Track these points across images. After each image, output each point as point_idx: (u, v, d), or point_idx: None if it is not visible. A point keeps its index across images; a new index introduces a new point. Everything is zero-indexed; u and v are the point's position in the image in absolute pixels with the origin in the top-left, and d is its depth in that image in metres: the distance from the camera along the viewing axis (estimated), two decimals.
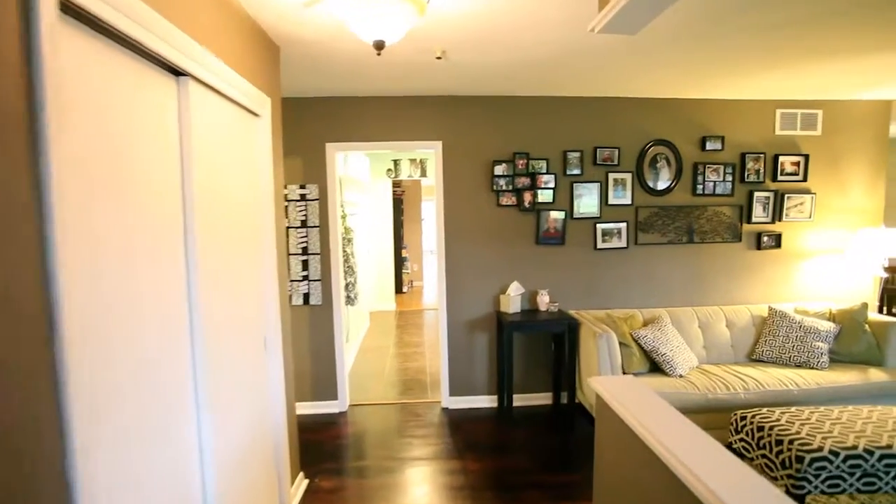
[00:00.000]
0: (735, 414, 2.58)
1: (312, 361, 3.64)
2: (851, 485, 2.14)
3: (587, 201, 3.65)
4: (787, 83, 3.32)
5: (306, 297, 3.60)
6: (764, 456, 2.34)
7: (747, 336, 3.58)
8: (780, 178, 3.81)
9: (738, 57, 2.74)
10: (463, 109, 3.54)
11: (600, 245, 3.70)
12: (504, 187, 3.55)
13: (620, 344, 3.15)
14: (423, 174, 7.03)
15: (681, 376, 3.11)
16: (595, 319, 3.44)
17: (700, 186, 3.74)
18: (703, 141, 3.71)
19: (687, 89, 3.43)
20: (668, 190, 3.72)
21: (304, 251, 3.57)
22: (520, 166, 3.54)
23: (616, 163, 3.64)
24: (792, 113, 3.78)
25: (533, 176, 3.56)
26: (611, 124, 3.65)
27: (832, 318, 3.52)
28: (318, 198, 3.55)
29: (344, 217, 4.61)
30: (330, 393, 3.68)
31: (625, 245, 3.72)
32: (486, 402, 3.75)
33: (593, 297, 3.75)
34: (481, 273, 3.64)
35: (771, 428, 2.35)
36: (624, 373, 3.12)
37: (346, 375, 3.72)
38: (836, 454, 2.13)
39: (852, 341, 3.36)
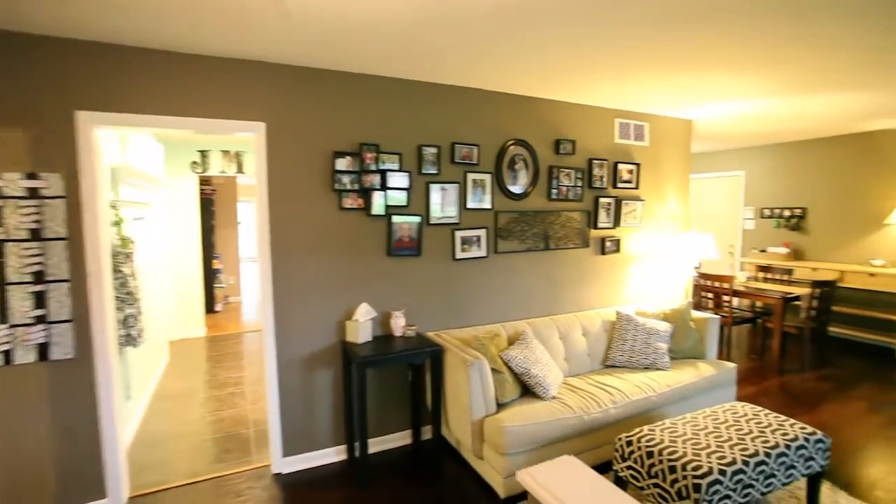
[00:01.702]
0: (620, 439, 2.36)
1: (58, 447, 2.36)
2: (735, 500, 2.05)
3: (445, 205, 3.17)
4: (621, 93, 3.38)
5: (43, 349, 2.31)
6: (657, 486, 2.13)
7: (601, 343, 3.55)
8: (619, 185, 3.93)
9: (585, 60, 2.65)
10: (298, 83, 2.70)
11: (460, 255, 3.26)
12: (349, 186, 2.83)
13: (492, 370, 2.73)
14: (240, 170, 5.79)
15: (553, 398, 2.84)
16: (461, 343, 2.98)
17: (555, 191, 3.61)
18: (557, 144, 3.58)
19: (543, 87, 3.23)
20: (525, 194, 3.48)
21: (38, 277, 2.29)
22: (368, 161, 2.86)
23: (475, 162, 3.24)
24: (627, 123, 3.94)
25: (384, 173, 2.92)
26: (470, 119, 3.24)
27: (666, 317, 3.73)
28: (65, 195, 2.31)
29: (118, 223, 3.27)
30: (93, 488, 2.44)
31: (485, 254, 3.36)
32: (333, 455, 2.97)
33: (453, 315, 3.30)
34: (321, 294, 2.85)
35: (660, 453, 2.16)
36: (497, 403, 2.71)
37: (120, 456, 2.52)
38: (724, 473, 2.02)
39: (682, 338, 3.59)
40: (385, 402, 3.10)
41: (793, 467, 2.24)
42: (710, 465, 2.04)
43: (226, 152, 5.73)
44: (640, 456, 2.22)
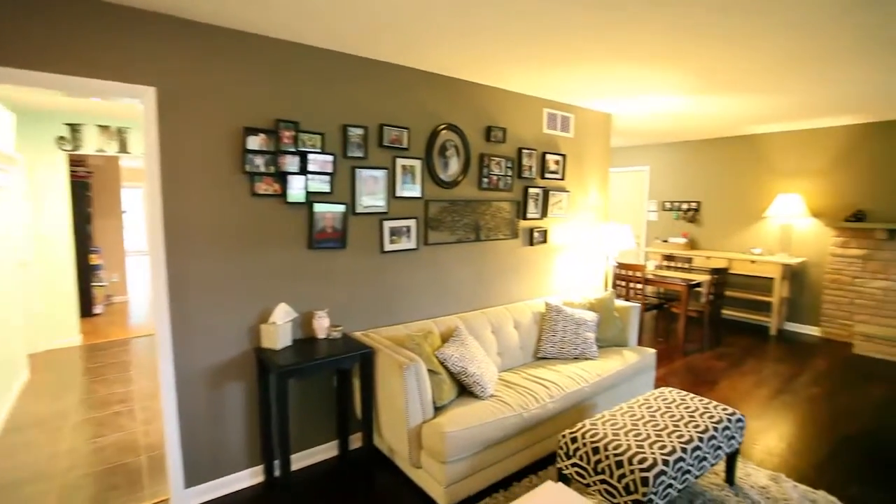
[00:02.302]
0: (564, 436, 2.29)
1: None
2: (676, 488, 2.08)
3: (372, 192, 2.89)
4: (548, 83, 3.34)
5: None
6: (604, 482, 2.09)
7: (532, 335, 3.52)
8: (546, 175, 3.92)
9: (510, 45, 2.57)
10: (202, 44, 2.24)
11: (388, 247, 3.01)
12: (262, 169, 2.44)
13: (428, 371, 2.54)
14: (123, 149, 4.95)
15: (491, 396, 2.72)
16: (392, 343, 2.74)
17: (486, 180, 3.48)
18: (489, 131, 3.45)
19: (476, 71, 3.06)
20: (456, 182, 3.31)
21: None
22: (286, 140, 2.49)
23: (405, 146, 3.00)
24: (554, 114, 3.93)
25: (304, 155, 2.57)
26: (401, 99, 2.98)
27: (592, 307, 3.80)
28: None
29: None
30: None
31: (415, 246, 3.14)
32: (248, 478, 2.59)
33: (382, 313, 3.05)
34: (230, 294, 2.44)
35: (606, 448, 2.12)
36: (435, 406, 2.53)
37: None
38: (668, 463, 2.03)
39: (607, 327, 3.69)
40: (307, 411, 2.77)
41: (719, 448, 2.34)
42: (654, 456, 2.04)
43: (104, 127, 4.86)
44: (586, 452, 2.17)
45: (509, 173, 3.64)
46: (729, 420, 2.44)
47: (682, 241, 6.42)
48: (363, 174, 2.83)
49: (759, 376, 4.20)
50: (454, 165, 3.30)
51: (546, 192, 3.92)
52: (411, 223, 3.10)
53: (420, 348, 2.61)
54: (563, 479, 2.32)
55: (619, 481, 2.02)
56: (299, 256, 2.65)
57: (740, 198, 5.97)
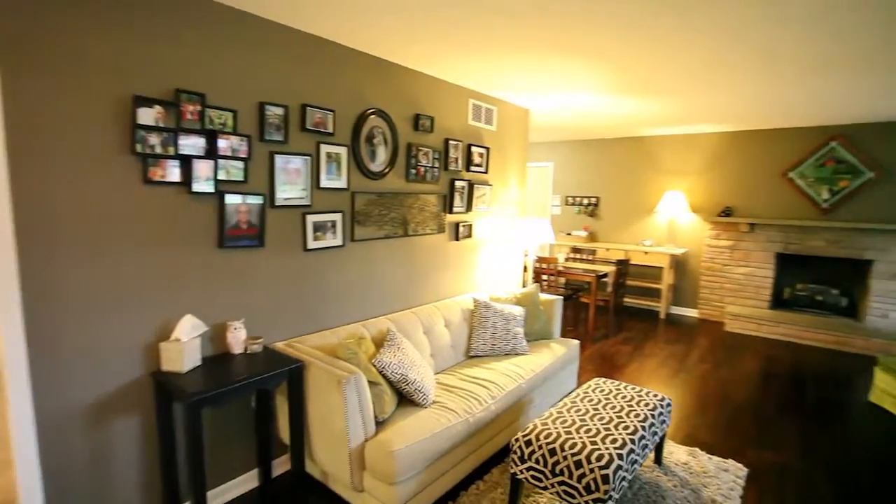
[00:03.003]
0: (517, 440, 2.20)
1: None
2: (628, 479, 2.10)
3: (294, 182, 2.52)
4: (473, 72, 3.24)
5: None
6: (563, 483, 2.03)
7: (462, 333, 3.41)
8: (471, 168, 3.83)
9: (450, 29, 2.40)
10: None
11: (312, 244, 2.66)
12: (160, 150, 1.96)
13: (368, 383, 2.28)
14: None
15: (434, 403, 2.55)
16: (323, 353, 2.42)
17: (413, 171, 3.27)
18: (417, 119, 3.24)
19: (405, 54, 2.83)
20: (384, 173, 3.05)
21: None
22: (189, 116, 2.03)
23: (330, 131, 2.67)
24: (479, 105, 3.84)
25: (212, 136, 2.12)
26: (326, 78, 2.63)
27: (518, 301, 3.81)
28: None
29: None
30: None
31: (341, 243, 2.83)
32: None
33: (307, 318, 2.70)
34: (117, 307, 1.93)
35: (563, 449, 2.07)
36: (377, 420, 2.28)
37: None
38: (622, 457, 2.04)
39: (534, 321, 3.72)
40: (220, 440, 2.34)
41: (656, 433, 2.44)
42: (609, 452, 2.04)
43: None
44: (542, 455, 2.10)
45: (436, 165, 3.47)
46: (660, 405, 2.56)
47: (584, 234, 6.84)
48: (283, 161, 2.45)
49: (658, 358, 4.59)
50: (382, 155, 3.04)
51: (471, 186, 3.83)
52: (337, 217, 2.78)
53: (357, 358, 2.34)
54: (516, 484, 2.24)
55: (578, 481, 1.98)
56: (208, 257, 2.20)
57: (634, 194, 6.52)
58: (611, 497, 1.93)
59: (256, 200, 2.35)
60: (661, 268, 6.12)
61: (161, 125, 1.95)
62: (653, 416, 2.43)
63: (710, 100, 4.02)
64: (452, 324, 3.37)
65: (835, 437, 3.14)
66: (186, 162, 2.05)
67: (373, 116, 2.91)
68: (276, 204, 2.44)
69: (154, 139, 1.93)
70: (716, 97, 3.91)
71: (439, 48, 2.74)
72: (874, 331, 4.87)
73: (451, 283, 3.77)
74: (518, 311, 3.56)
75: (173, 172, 2.01)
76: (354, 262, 2.94)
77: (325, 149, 2.65)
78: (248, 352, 2.27)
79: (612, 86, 3.57)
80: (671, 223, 6.21)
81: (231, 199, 2.24)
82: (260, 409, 2.43)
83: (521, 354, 3.37)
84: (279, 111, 2.39)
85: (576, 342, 3.70)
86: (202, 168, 2.09)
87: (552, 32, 2.45)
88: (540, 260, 5.13)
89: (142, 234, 1.97)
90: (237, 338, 2.24)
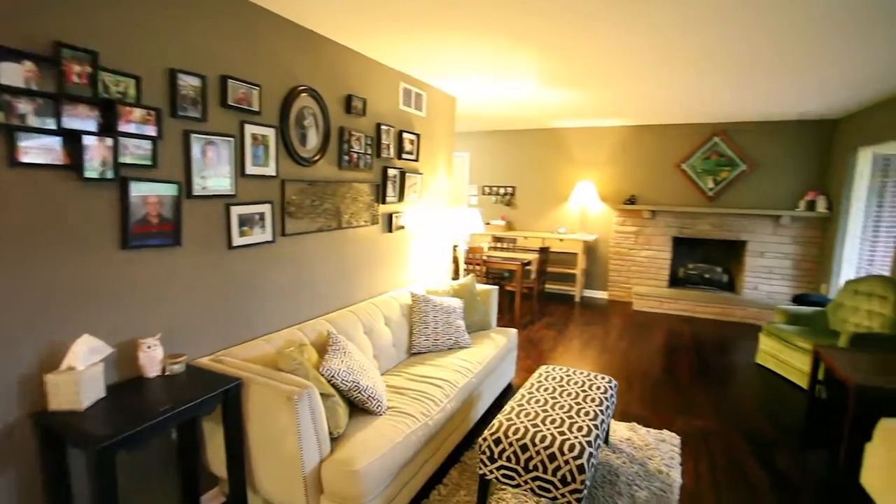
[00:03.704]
0: (486, 439, 2.10)
1: None
2: (595, 465, 2.11)
3: (215, 168, 2.13)
4: (403, 54, 3.06)
5: None
6: (537, 478, 1.97)
7: (403, 330, 3.23)
8: (403, 155, 3.63)
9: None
10: None
11: (238, 241, 2.29)
12: (34, 122, 1.49)
13: (321, 396, 2.01)
14: None
15: (388, 409, 2.35)
16: (264, 367, 2.08)
17: (346, 158, 2.99)
18: (349, 101, 2.95)
19: (335, 26, 2.55)
20: (315, 159, 2.74)
21: None
22: (76, 79, 1.58)
23: (256, 109, 2.30)
24: (409, 89, 3.64)
25: (108, 107, 1.68)
26: (250, 46, 2.25)
27: (455, 293, 3.71)
28: None
29: None
30: None
31: (270, 238, 2.48)
32: None
33: (235, 326, 2.32)
34: None
35: (534, 444, 2.01)
36: (331, 437, 2.02)
37: None
38: (591, 444, 2.04)
39: (472, 312, 3.66)
40: (133, 485, 1.91)
41: (609, 415, 2.50)
42: (579, 441, 2.02)
43: None
44: (514, 452, 2.03)
45: (369, 151, 3.22)
46: (609, 387, 2.64)
47: (502, 223, 6.98)
48: (202, 143, 2.05)
49: (582, 340, 4.83)
50: (313, 139, 2.72)
51: (403, 174, 3.63)
52: (265, 209, 2.43)
53: (303, 368, 2.06)
54: (485, 485, 2.15)
55: (554, 475, 1.94)
56: (109, 261, 1.76)
57: (548, 183, 6.78)
58: (585, 486, 1.91)
59: (169, 190, 1.93)
60: (575, 254, 6.46)
61: (35, 88, 1.48)
62: (605, 399, 2.49)
63: (621, 94, 4.26)
64: (392, 321, 3.17)
65: (736, 397, 3.53)
66: (74, 139, 1.59)
67: (303, 95, 2.58)
68: (194, 194, 2.04)
69: (25, 106, 1.46)
70: (625, 91, 4.14)
71: (370, 21, 2.49)
72: (749, 301, 5.63)
73: (385, 277, 3.56)
74: (457, 303, 3.47)
75: (54, 152, 1.55)
76: (286, 260, 2.60)
77: (250, 130, 2.28)
78: (169, 373, 1.87)
79: (538, 73, 3.59)
80: (583, 211, 6.57)
81: (137, 189, 1.81)
82: (183, 440, 2.03)
83: (465, 348, 3.28)
84: (195, 82, 1.98)
85: (514, 331, 3.71)
86: (97, 148, 1.65)
87: (483, 9, 2.34)
88: (471, 250, 5.10)
89: (9, 234, 1.49)
90: (152, 358, 1.84)
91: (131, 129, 1.76)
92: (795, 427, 3.15)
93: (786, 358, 3.85)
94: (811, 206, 5.28)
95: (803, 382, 3.63)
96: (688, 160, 5.91)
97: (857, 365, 2.90)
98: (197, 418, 2.05)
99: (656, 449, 2.78)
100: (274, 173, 2.45)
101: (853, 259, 4.89)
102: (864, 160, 4.74)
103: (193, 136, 2.01)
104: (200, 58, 2.02)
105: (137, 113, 1.77)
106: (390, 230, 3.56)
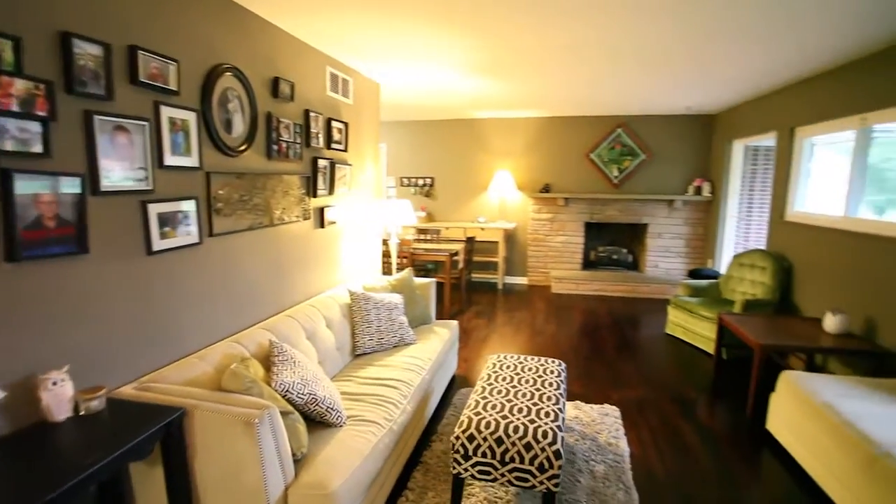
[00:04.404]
0: (458, 437, 2.03)
1: None
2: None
3: (127, 158, 1.77)
4: (329, 34, 2.84)
5: None
6: (514, 470, 1.96)
7: (345, 331, 3.03)
8: (332, 145, 3.38)
9: None
10: None
11: (159, 244, 1.94)
12: None
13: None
14: None
15: (348, 418, 2.18)
16: (207, 390, 1.79)
17: (275, 147, 2.70)
18: (276, 84, 2.65)
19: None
20: (241, 149, 2.42)
21: None
22: None
23: (173, 88, 1.95)
24: (336, 75, 3.39)
25: None
26: (163, 12, 1.89)
27: (394, 288, 3.57)
28: None
29: None
30: None
31: (197, 239, 2.15)
32: None
33: (162, 345, 1.98)
34: None
35: (509, 436, 1.99)
36: (294, 459, 1.81)
37: None
38: (560, 429, 2.07)
39: (414, 306, 3.55)
40: None
41: (564, 395, 2.58)
42: (549, 427, 2.04)
43: None
44: (489, 447, 1.99)
45: (298, 140, 2.94)
46: (561, 370, 2.72)
47: (422, 214, 6.91)
48: (109, 127, 1.68)
49: (512, 325, 4.96)
50: (239, 125, 2.40)
51: (333, 165, 3.39)
52: (189, 206, 2.09)
53: (257, 386, 1.81)
54: (459, 484, 2.09)
55: (531, 464, 1.94)
56: None
57: (467, 174, 6.84)
58: (562, 470, 1.94)
59: (69, 186, 1.56)
60: (496, 242, 6.61)
61: None
62: (561, 382, 2.56)
63: (538, 85, 4.40)
64: (334, 323, 2.95)
65: (656, 366, 3.88)
66: None
67: (227, 75, 2.25)
68: (102, 190, 1.67)
69: None
70: (542, 83, 4.29)
71: None
72: (652, 278, 6.23)
73: (320, 276, 3.31)
74: (397, 298, 3.34)
75: None
76: (216, 263, 2.27)
77: (167, 112, 1.93)
78: (84, 413, 1.53)
79: (460, 59, 3.53)
80: (501, 200, 6.74)
81: (24, 184, 1.43)
82: (105, 494, 1.68)
83: (411, 344, 3.18)
84: (95, 51, 1.61)
85: (455, 322, 3.69)
86: None
87: None
88: (403, 242, 4.96)
89: None
90: (60, 396, 1.48)
91: (13, 105, 1.37)
92: (707, 386, 3.54)
93: (692, 327, 4.31)
94: (698, 191, 5.97)
95: (708, 347, 4.10)
96: (595, 150, 6.33)
97: (755, 327, 3.33)
98: (124, 466, 1.71)
99: (602, 423, 2.94)
100: (197, 164, 2.12)
101: (732, 236, 5.63)
102: (738, 151, 5.46)
103: (98, 118, 1.64)
104: (103, 22, 1.65)
105: (20, 85, 1.39)
106: (322, 225, 3.31)
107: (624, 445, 2.71)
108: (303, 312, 2.77)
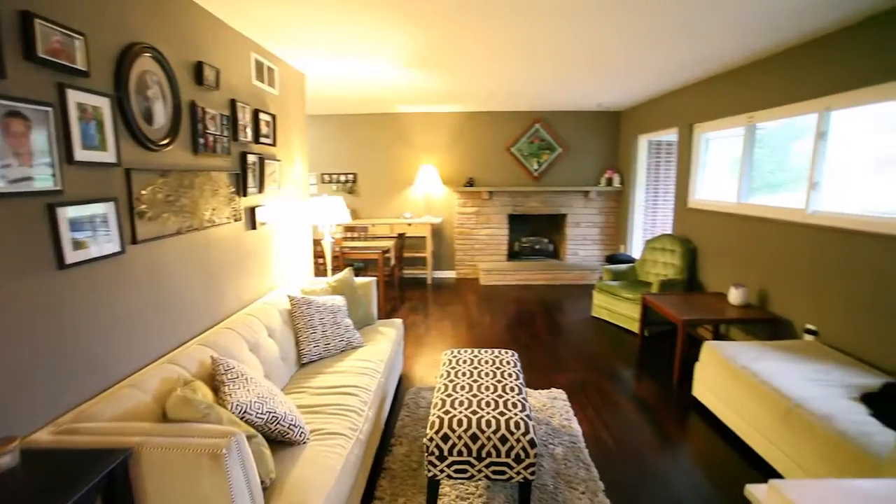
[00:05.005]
0: (432, 440, 1.97)
1: None
2: None
3: (24, 152, 1.45)
4: (252, 16, 2.61)
5: None
6: (491, 464, 1.95)
7: (288, 339, 2.81)
8: (260, 139, 3.10)
9: None
10: None
11: (72, 256, 1.63)
12: None
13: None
14: None
15: (311, 433, 2.02)
16: (150, 424, 1.55)
17: (202, 140, 2.40)
18: (200, 70, 2.36)
19: None
20: (164, 142, 2.12)
21: None
22: None
23: (82, 68, 1.64)
24: (262, 62, 3.10)
25: None
26: None
27: (335, 290, 3.39)
28: None
29: None
30: None
31: (118, 248, 1.84)
32: None
33: (84, 375, 1.66)
34: None
35: (482, 431, 1.98)
36: (263, 486, 1.63)
37: None
38: (529, 417, 2.11)
39: (357, 307, 3.40)
40: None
41: (523, 384, 2.64)
42: (521, 418, 2.07)
43: None
44: (465, 445, 1.96)
45: (226, 134, 2.65)
46: (515, 360, 2.77)
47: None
48: (1, 112, 1.36)
49: (449, 320, 4.98)
50: (161, 115, 2.09)
51: (262, 161, 3.11)
52: (108, 209, 1.78)
53: (214, 412, 1.60)
54: (434, 487, 2.04)
55: (508, 456, 1.95)
56: None
57: (391, 169, 6.70)
58: (538, 457, 1.98)
59: None
60: (423, 237, 6.58)
61: None
62: (518, 372, 2.61)
63: (463, 79, 4.42)
64: (276, 331, 2.72)
65: (588, 347, 4.14)
66: None
67: (146, 57, 1.95)
68: None
69: None
70: (467, 77, 4.32)
71: None
72: (572, 266, 6.62)
73: (254, 281, 3.04)
74: (340, 300, 3.18)
75: None
76: (142, 274, 1.97)
77: (75, 97, 1.62)
78: None
79: (394, 51, 3.46)
80: (427, 195, 6.72)
81: None
82: None
83: (359, 347, 3.04)
84: None
85: (399, 321, 3.60)
86: None
87: None
88: (336, 241, 4.71)
89: None
90: None
91: None
92: (636, 362, 3.85)
93: (616, 308, 4.66)
94: (609, 182, 6.45)
95: (631, 326, 4.46)
96: (516, 144, 6.55)
97: (674, 305, 3.68)
98: None
99: (552, 407, 3.06)
100: (115, 160, 1.81)
101: (641, 223, 6.18)
102: (643, 145, 5.98)
103: None
104: None
105: None
106: (254, 227, 3.03)
107: (576, 426, 2.84)
108: (242, 323, 2.52)
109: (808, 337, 3.15)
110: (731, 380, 2.73)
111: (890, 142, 2.85)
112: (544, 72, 4.08)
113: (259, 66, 3.08)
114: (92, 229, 1.70)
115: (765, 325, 3.47)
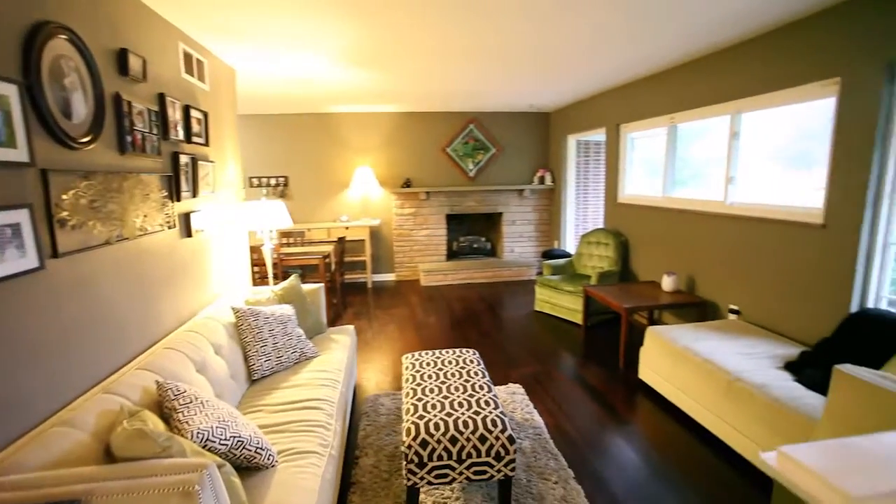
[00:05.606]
0: (411, 447, 1.90)
1: None
2: None
3: None
4: (182, 2, 2.39)
5: None
6: (472, 465, 1.93)
7: (237, 355, 2.58)
8: (192, 138, 2.82)
9: None
10: None
11: None
12: None
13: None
14: None
15: (279, 453, 1.86)
16: (106, 468, 1.34)
17: (129, 139, 2.13)
18: (124, 58, 2.08)
19: None
20: (86, 139, 1.84)
21: None
22: None
23: None
24: (191, 54, 2.82)
25: None
26: None
27: (281, 299, 3.17)
28: None
29: None
30: None
31: (35, 263, 1.57)
32: None
33: (1, 417, 1.40)
34: None
35: (461, 433, 1.95)
36: None
37: None
38: (504, 413, 2.11)
39: (306, 316, 3.22)
40: None
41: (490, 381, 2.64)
42: (496, 415, 2.06)
43: None
44: (445, 448, 1.91)
45: (155, 131, 2.37)
46: (477, 358, 2.77)
47: None
48: None
49: (396, 323, 4.88)
50: (81, 108, 1.81)
51: (195, 162, 2.84)
52: (20, 218, 1.51)
53: (176, 443, 1.41)
54: (414, 495, 1.97)
55: (488, 455, 1.93)
56: None
57: (325, 171, 6.44)
58: (517, 453, 1.98)
59: None
60: (362, 240, 6.41)
61: None
62: (482, 370, 2.61)
63: (398, 78, 4.37)
64: (223, 348, 2.49)
65: (535, 341, 4.27)
66: None
67: (60, 39, 1.68)
68: None
69: None
70: (402, 76, 4.27)
71: None
72: (509, 262, 6.80)
73: (192, 294, 2.76)
74: (289, 309, 2.99)
75: None
76: (66, 292, 1.70)
77: None
78: None
79: (333, 47, 3.34)
80: (364, 197, 6.55)
81: None
82: None
83: (314, 357, 2.88)
84: None
85: (351, 327, 3.46)
86: None
87: None
88: (276, 248, 4.42)
89: None
90: None
91: None
92: (582, 351, 4.03)
93: (558, 301, 4.84)
94: (542, 180, 6.70)
95: (573, 317, 4.66)
96: (451, 145, 6.59)
97: (614, 294, 3.90)
98: None
99: (513, 402, 3.11)
100: (27, 159, 1.53)
101: (573, 219, 6.49)
102: (572, 144, 6.29)
103: None
104: None
105: None
106: (189, 234, 2.75)
107: (538, 418, 2.90)
108: (184, 341, 2.27)
109: (731, 316, 3.48)
110: (676, 360, 2.94)
111: (791, 140, 3.24)
112: (485, 71, 4.14)
113: (188, 57, 2.80)
114: (2, 243, 1.43)
115: (694, 308, 3.79)
